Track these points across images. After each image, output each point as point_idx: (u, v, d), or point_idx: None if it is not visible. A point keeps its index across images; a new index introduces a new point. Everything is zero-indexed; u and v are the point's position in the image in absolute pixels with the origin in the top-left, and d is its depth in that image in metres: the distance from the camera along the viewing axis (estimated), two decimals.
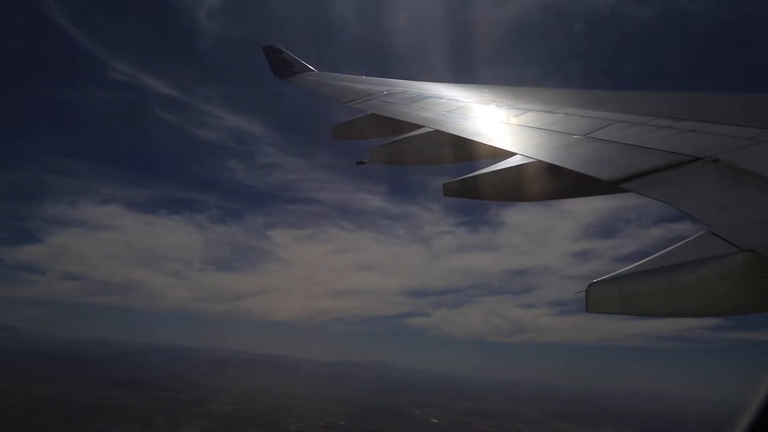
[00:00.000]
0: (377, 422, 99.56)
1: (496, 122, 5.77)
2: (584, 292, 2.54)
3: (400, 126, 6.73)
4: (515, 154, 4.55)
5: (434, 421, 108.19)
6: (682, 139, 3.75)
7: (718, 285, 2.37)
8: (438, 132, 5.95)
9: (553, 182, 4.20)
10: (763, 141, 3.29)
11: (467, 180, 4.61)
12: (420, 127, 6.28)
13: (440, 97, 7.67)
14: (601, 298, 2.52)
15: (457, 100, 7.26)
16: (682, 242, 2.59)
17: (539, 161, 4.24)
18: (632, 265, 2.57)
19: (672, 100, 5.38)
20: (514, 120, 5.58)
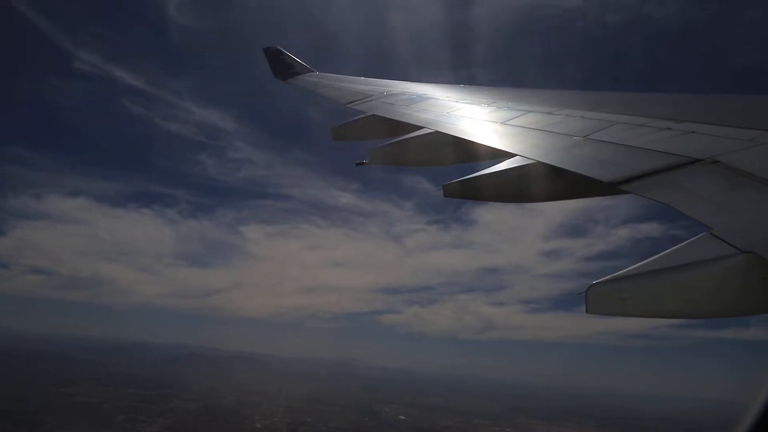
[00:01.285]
0: (344, 419, 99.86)
1: (496, 123, 5.77)
2: (584, 293, 2.54)
3: (400, 127, 6.72)
4: (515, 155, 4.55)
5: (401, 417, 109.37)
6: (682, 141, 3.75)
7: (718, 286, 2.37)
8: (438, 133, 5.95)
9: (553, 184, 4.20)
10: (763, 143, 3.29)
11: (467, 181, 4.61)
12: (420, 128, 6.28)
13: (440, 99, 7.67)
14: (601, 299, 2.52)
15: (456, 102, 7.27)
16: (682, 244, 2.59)
17: (539, 162, 4.24)
18: (632, 267, 2.57)
19: (672, 101, 5.38)
20: (514, 121, 5.58)
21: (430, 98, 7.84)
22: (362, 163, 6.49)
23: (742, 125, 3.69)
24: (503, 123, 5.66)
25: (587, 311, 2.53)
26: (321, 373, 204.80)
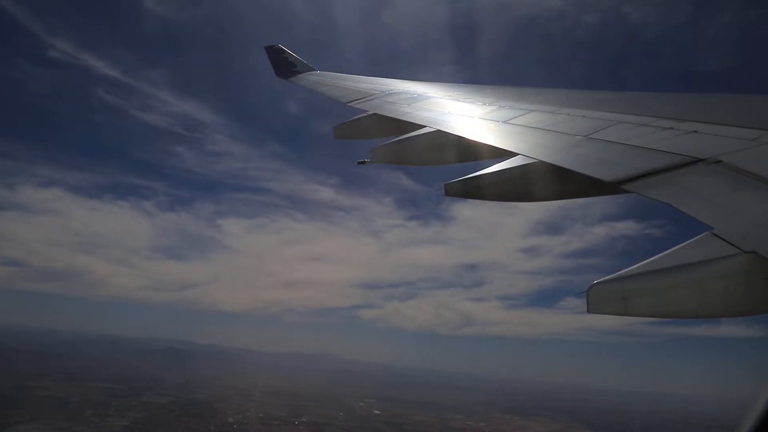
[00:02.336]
0: (317, 414, 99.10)
1: (498, 122, 5.76)
2: (585, 293, 2.54)
3: (402, 126, 6.72)
4: (517, 154, 4.54)
5: (376, 412, 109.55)
6: (685, 140, 3.74)
7: (720, 286, 2.37)
8: (440, 132, 5.95)
9: (554, 183, 4.19)
10: (765, 142, 3.28)
11: (469, 180, 4.60)
12: (422, 127, 6.28)
13: (441, 98, 7.67)
14: (602, 298, 2.51)
15: (458, 101, 7.26)
16: (684, 243, 2.59)
17: (541, 162, 4.23)
18: (634, 266, 2.56)
19: (674, 101, 5.37)
20: (515, 120, 5.58)
21: (432, 97, 7.83)
22: (364, 162, 6.48)
23: (745, 125, 3.68)
24: (505, 122, 5.65)
25: (588, 311, 2.53)
26: (298, 368, 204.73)
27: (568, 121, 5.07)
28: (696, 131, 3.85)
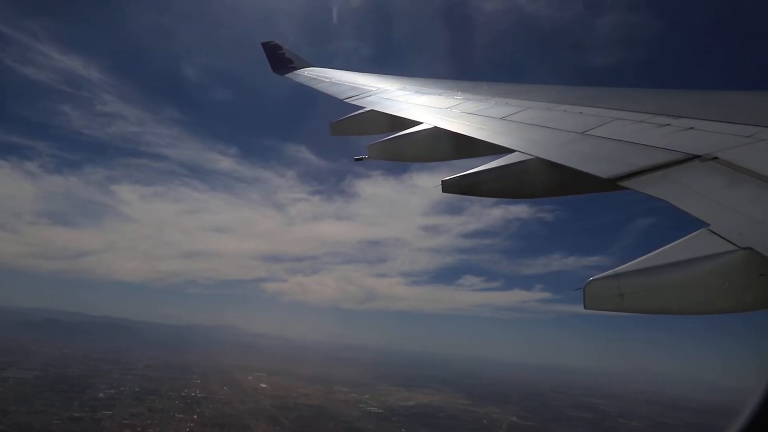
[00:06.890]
0: (200, 387, 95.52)
1: (495, 119, 5.76)
2: (582, 289, 2.55)
3: (398, 122, 6.71)
4: (514, 151, 4.54)
5: (262, 385, 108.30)
6: (681, 137, 3.74)
7: (716, 283, 2.37)
8: (436, 128, 5.94)
9: (551, 179, 4.20)
10: (761, 139, 3.29)
11: (465, 176, 4.61)
12: (419, 123, 6.27)
13: (439, 94, 7.66)
14: (599, 295, 2.52)
15: (455, 97, 7.25)
16: (680, 240, 2.60)
17: (538, 158, 4.24)
18: (630, 263, 2.57)
19: (671, 97, 5.38)
20: (512, 117, 5.57)
21: (429, 93, 7.83)
22: (361, 158, 6.47)
23: (742, 121, 3.68)
24: (502, 118, 5.65)
25: (585, 307, 2.54)
26: (193, 340, 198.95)
27: (565, 118, 5.07)
28: (692, 128, 3.86)
